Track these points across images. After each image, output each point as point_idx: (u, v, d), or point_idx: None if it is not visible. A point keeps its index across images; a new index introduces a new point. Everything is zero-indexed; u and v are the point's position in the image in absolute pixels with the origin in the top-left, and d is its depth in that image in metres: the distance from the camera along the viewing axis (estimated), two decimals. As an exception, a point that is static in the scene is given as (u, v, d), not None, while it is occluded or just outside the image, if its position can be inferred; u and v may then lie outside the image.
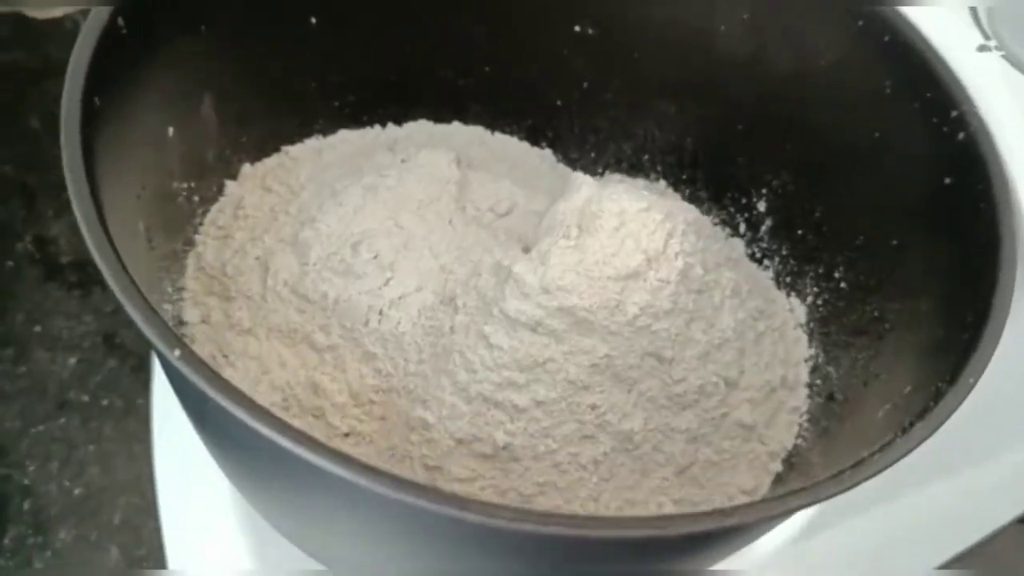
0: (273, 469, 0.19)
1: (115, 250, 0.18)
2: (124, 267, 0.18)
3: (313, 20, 0.30)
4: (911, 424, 0.19)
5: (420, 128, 0.35)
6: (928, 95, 0.25)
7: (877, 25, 0.26)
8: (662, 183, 0.35)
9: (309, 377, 0.26)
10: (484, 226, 0.30)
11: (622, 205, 0.26)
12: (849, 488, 0.19)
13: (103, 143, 0.21)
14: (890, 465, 0.19)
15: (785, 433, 0.28)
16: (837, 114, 0.28)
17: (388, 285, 0.27)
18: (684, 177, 0.34)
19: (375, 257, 0.27)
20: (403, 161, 0.31)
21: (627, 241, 0.26)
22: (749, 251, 0.33)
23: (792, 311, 0.31)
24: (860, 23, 0.27)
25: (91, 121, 0.21)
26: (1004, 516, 0.37)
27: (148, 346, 0.23)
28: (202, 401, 0.17)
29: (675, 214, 0.27)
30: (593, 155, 0.36)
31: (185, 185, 0.27)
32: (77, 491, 0.34)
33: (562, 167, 0.36)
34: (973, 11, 0.26)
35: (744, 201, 0.33)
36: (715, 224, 0.34)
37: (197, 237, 0.28)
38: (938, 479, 0.33)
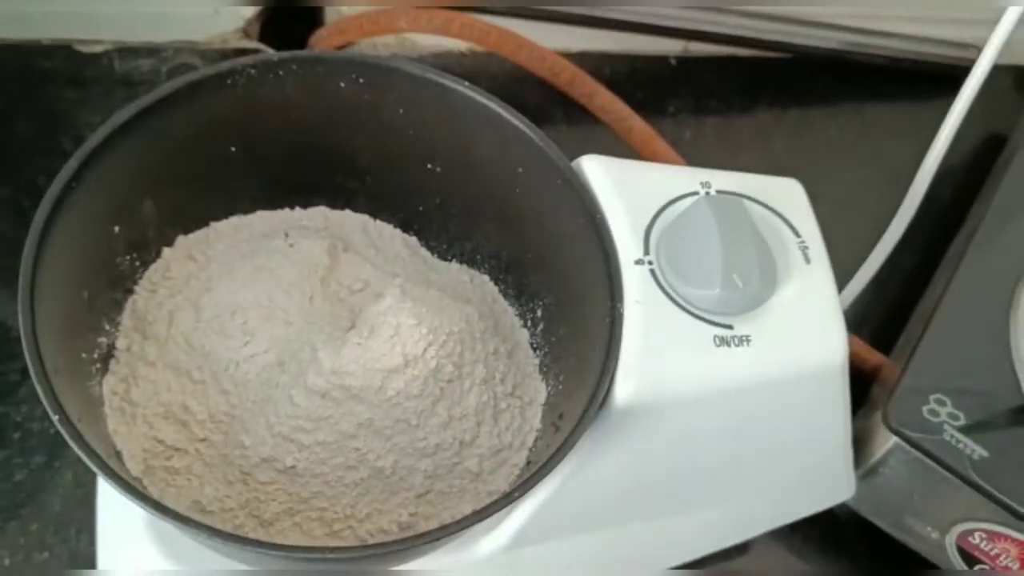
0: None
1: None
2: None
3: (232, 149, 0.43)
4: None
5: (319, 212, 0.48)
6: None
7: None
8: (487, 278, 0.48)
9: (183, 399, 0.40)
10: (339, 301, 0.44)
11: (399, 319, 0.39)
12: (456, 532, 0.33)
13: (53, 252, 0.35)
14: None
15: (503, 480, 0.42)
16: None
17: (246, 346, 0.41)
18: (500, 278, 0.48)
19: (244, 323, 0.41)
20: (291, 246, 0.45)
21: (396, 346, 0.39)
22: (531, 342, 0.46)
23: (539, 393, 0.44)
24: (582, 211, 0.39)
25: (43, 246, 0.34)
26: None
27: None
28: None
29: (441, 328, 0.40)
30: (445, 247, 0.49)
31: (127, 257, 0.41)
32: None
33: (423, 252, 0.49)
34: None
35: (531, 305, 0.46)
36: (517, 316, 0.47)
37: (136, 288, 0.42)
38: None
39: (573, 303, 0.42)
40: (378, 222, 0.49)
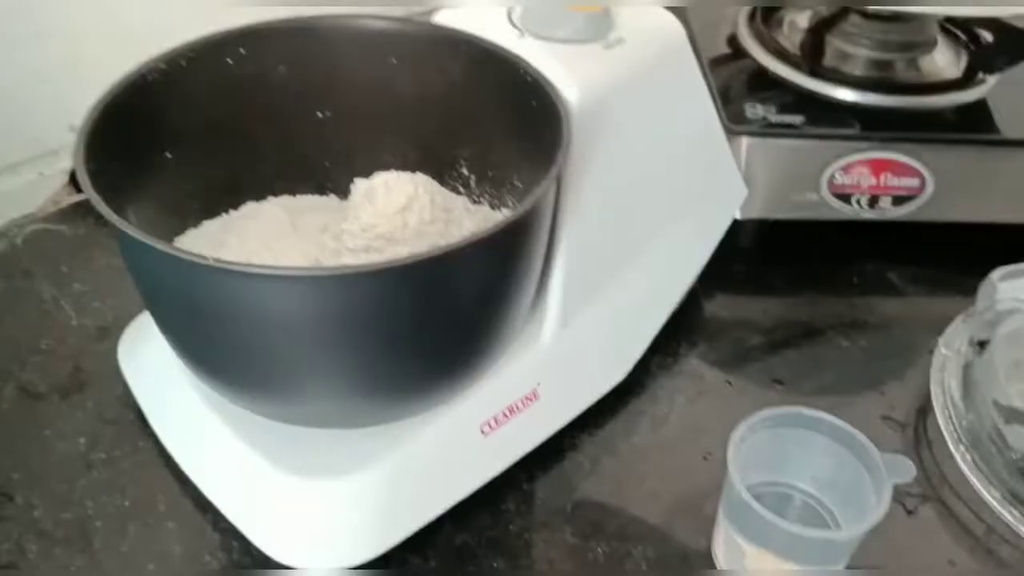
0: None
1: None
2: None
3: (167, 154, 0.49)
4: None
5: (249, 208, 0.54)
6: (510, 71, 0.48)
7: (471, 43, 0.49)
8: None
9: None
10: (312, 230, 0.51)
11: (385, 178, 0.47)
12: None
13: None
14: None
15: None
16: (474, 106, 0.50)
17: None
18: (418, 176, 0.56)
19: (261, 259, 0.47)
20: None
21: (394, 194, 0.46)
22: (470, 200, 0.55)
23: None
24: (462, 48, 0.49)
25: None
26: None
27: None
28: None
29: (412, 178, 0.48)
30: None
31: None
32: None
33: (344, 202, 0.56)
34: (507, 13, 0.50)
35: (455, 173, 0.55)
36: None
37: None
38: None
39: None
40: (299, 197, 0.56)
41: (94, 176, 0.40)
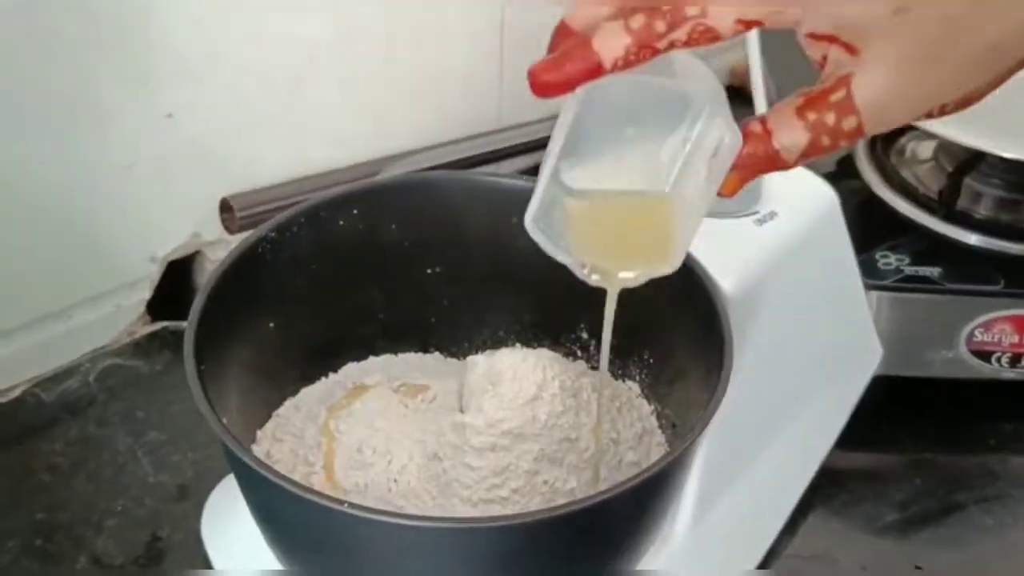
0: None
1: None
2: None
3: (271, 324, 0.45)
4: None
5: (349, 370, 0.50)
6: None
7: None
8: (518, 346, 0.52)
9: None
10: (423, 411, 0.46)
11: (511, 361, 0.43)
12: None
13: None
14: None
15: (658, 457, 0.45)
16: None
17: (391, 464, 0.41)
18: (530, 337, 0.52)
19: (373, 451, 0.42)
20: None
21: (522, 381, 0.42)
22: (588, 365, 0.50)
23: (630, 388, 0.48)
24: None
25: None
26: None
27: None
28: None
29: (540, 358, 0.44)
30: (466, 345, 0.52)
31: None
32: None
33: (450, 360, 0.52)
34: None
35: (573, 336, 0.50)
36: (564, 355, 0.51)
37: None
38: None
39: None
40: (400, 355, 0.51)
41: (201, 373, 0.36)
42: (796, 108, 0.30)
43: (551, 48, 0.31)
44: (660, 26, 0.29)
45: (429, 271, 0.50)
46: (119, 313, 0.62)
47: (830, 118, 0.30)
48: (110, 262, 0.60)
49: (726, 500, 0.47)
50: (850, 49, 0.30)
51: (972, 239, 0.60)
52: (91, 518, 0.53)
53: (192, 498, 0.53)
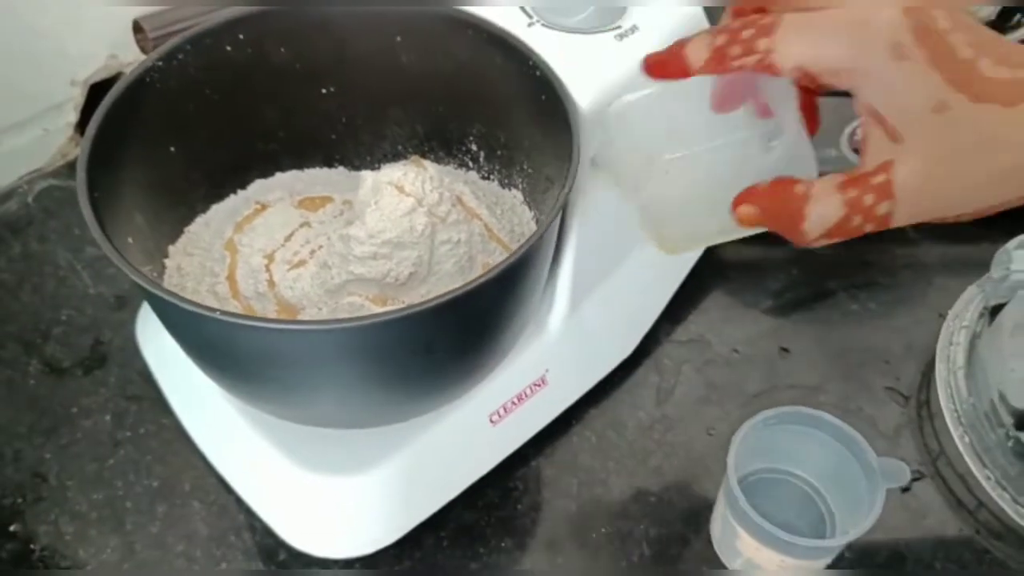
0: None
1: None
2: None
3: (172, 148, 0.48)
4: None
5: (256, 187, 0.54)
6: (520, 58, 0.46)
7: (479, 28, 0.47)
8: (414, 158, 0.56)
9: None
10: (320, 223, 0.51)
11: (393, 176, 0.46)
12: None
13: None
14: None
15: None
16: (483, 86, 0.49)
17: (289, 271, 0.46)
18: (426, 150, 0.55)
19: (272, 264, 0.47)
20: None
21: (402, 197, 0.46)
22: (480, 175, 0.54)
23: (514, 197, 0.52)
24: (469, 32, 0.48)
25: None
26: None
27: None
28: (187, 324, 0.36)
29: (418, 173, 0.47)
30: (368, 158, 0.56)
31: (146, 268, 0.46)
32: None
33: (353, 173, 0.56)
34: (521, 8, 0.47)
35: (463, 147, 0.54)
36: (451, 167, 0.55)
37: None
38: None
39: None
40: (307, 170, 0.55)
41: (95, 200, 0.40)
42: (838, 184, 0.32)
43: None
44: (735, 50, 0.32)
45: (324, 91, 0.52)
46: (48, 137, 0.65)
47: (868, 199, 0.31)
48: (31, 87, 0.63)
49: (598, 296, 0.52)
50: (894, 135, 0.31)
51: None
52: (39, 326, 0.58)
53: (129, 307, 0.59)
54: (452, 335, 0.40)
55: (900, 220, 0.32)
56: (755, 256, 0.64)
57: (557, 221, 0.41)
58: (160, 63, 0.46)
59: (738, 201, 0.35)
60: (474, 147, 0.53)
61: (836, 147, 0.62)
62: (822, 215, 0.32)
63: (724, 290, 0.62)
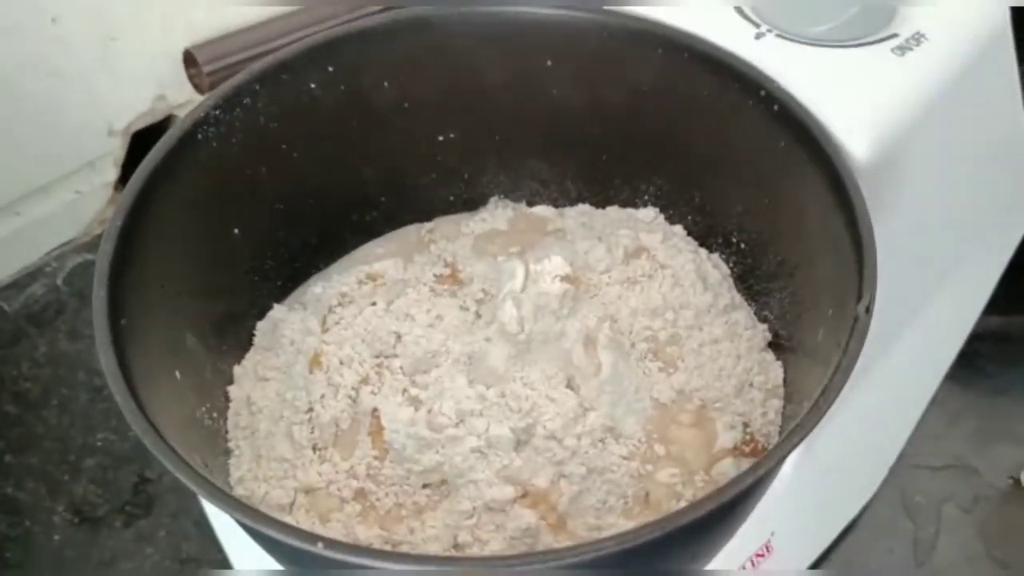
0: None
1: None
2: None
3: (236, 230, 0.34)
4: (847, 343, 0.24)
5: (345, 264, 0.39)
6: (744, 88, 0.31)
7: (676, 47, 0.32)
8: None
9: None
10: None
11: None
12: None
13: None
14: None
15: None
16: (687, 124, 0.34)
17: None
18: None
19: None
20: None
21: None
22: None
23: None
24: (659, 51, 0.33)
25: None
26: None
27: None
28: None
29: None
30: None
31: (203, 408, 0.31)
32: None
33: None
34: (738, 9, 0.32)
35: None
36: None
37: (229, 445, 0.32)
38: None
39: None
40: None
41: (119, 332, 0.26)
42: None
43: None
44: None
45: (441, 138, 0.38)
46: (81, 200, 0.52)
47: None
48: (58, 140, 0.49)
49: (849, 408, 0.37)
50: None
51: None
52: (67, 457, 0.44)
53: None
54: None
55: None
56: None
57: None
58: (217, 112, 0.31)
59: None
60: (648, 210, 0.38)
61: None
62: None
63: (985, 390, 0.45)
